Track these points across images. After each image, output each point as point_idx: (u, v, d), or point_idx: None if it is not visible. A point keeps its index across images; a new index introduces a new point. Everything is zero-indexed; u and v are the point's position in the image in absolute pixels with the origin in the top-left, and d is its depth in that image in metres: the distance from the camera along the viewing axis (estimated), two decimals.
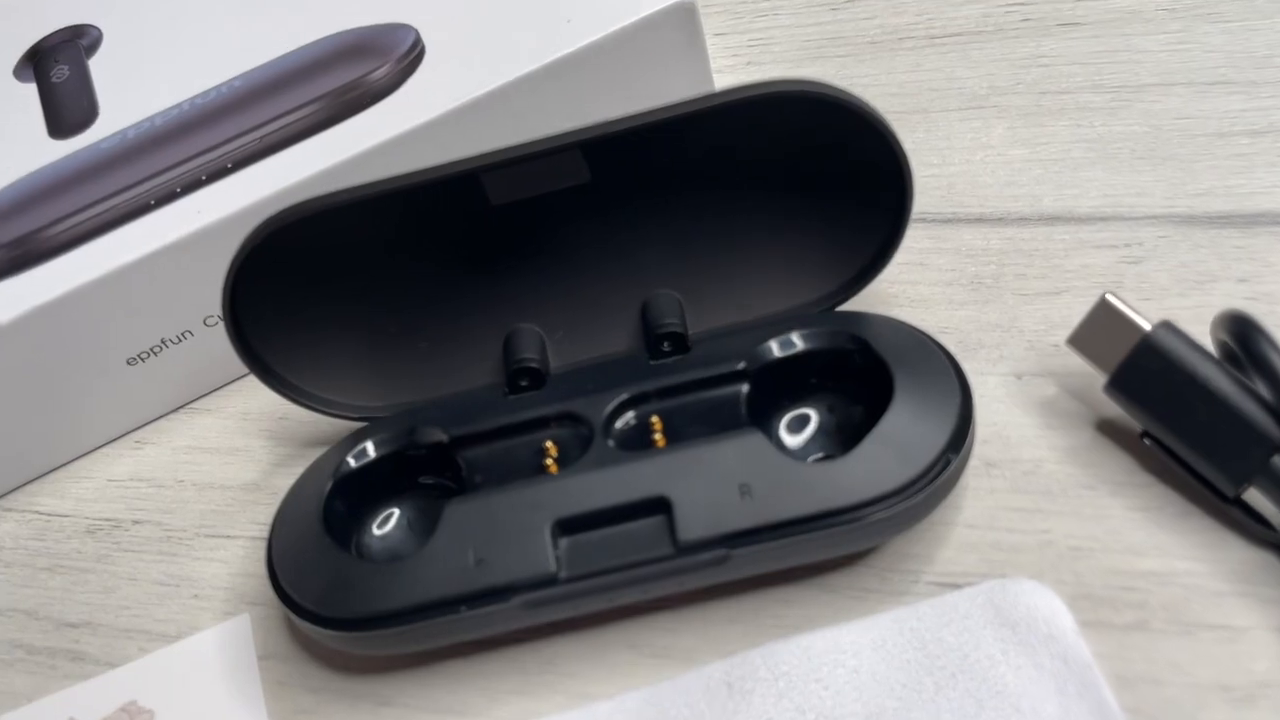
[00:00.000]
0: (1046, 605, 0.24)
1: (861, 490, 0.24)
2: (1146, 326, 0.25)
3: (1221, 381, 0.24)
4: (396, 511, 0.27)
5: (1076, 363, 0.27)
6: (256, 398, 0.32)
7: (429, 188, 0.26)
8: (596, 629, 0.26)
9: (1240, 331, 0.24)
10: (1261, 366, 0.23)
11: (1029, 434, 0.27)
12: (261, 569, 0.28)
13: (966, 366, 0.27)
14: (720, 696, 0.24)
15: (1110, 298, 0.26)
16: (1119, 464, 0.26)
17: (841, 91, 0.25)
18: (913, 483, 0.24)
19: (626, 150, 0.26)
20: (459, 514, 0.25)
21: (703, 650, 0.25)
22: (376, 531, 0.27)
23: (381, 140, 0.30)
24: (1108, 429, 0.27)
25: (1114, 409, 0.26)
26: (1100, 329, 0.26)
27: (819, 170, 0.27)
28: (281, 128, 0.31)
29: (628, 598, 0.25)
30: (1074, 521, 0.25)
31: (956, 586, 0.25)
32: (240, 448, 0.32)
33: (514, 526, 0.24)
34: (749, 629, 0.25)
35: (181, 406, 0.33)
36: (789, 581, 0.26)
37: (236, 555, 0.30)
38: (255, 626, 0.28)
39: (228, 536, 0.30)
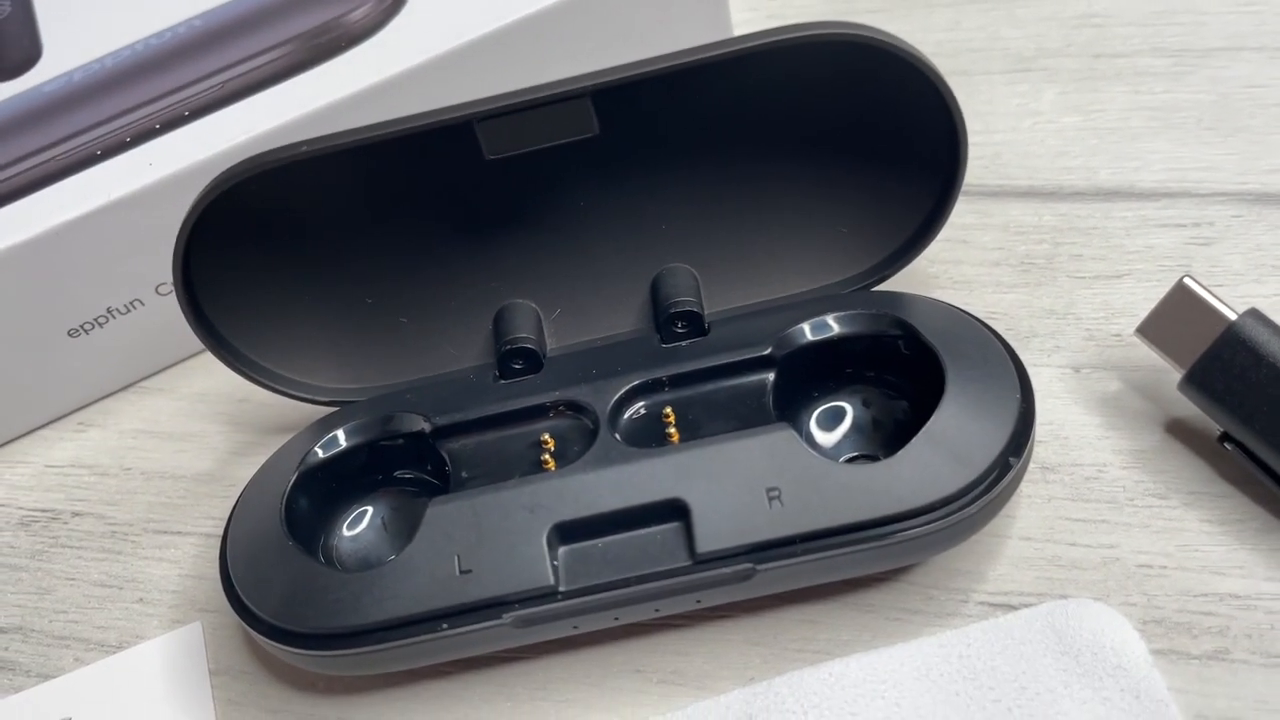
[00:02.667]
0: (1114, 631, 0.21)
1: (908, 498, 0.20)
2: (1232, 315, 0.22)
3: None
4: (370, 510, 0.24)
5: (1143, 355, 0.24)
6: (215, 377, 0.29)
7: (415, 139, 0.22)
8: (597, 649, 0.23)
9: None
10: None
11: (1090, 435, 0.24)
12: (216, 571, 0.25)
13: (1021, 357, 0.25)
14: None
15: (1189, 282, 0.23)
16: (1194, 470, 0.23)
17: (889, 36, 0.22)
18: (967, 490, 0.20)
19: (641, 101, 0.23)
20: (442, 515, 0.22)
21: (719, 676, 0.22)
22: (347, 533, 0.24)
23: (359, 88, 0.27)
24: (1180, 431, 0.24)
25: (1187, 408, 0.23)
26: (1175, 317, 0.23)
27: (859, 130, 0.24)
28: (246, 72, 0.27)
29: (636, 616, 0.21)
30: (1143, 535, 0.22)
31: (1011, 608, 0.22)
32: (195, 433, 0.28)
33: (506, 531, 0.21)
34: (771, 653, 0.22)
35: (130, 385, 0.29)
36: (818, 599, 0.23)
37: (188, 555, 0.26)
38: (208, 637, 0.25)
39: (179, 533, 0.27)
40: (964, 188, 0.27)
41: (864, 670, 0.21)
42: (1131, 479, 0.23)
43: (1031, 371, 0.24)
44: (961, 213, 0.28)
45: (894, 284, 0.26)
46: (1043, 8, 0.32)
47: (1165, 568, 0.22)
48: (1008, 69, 0.31)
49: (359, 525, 0.24)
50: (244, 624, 0.22)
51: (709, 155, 0.24)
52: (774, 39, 0.22)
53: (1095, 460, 0.23)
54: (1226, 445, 0.22)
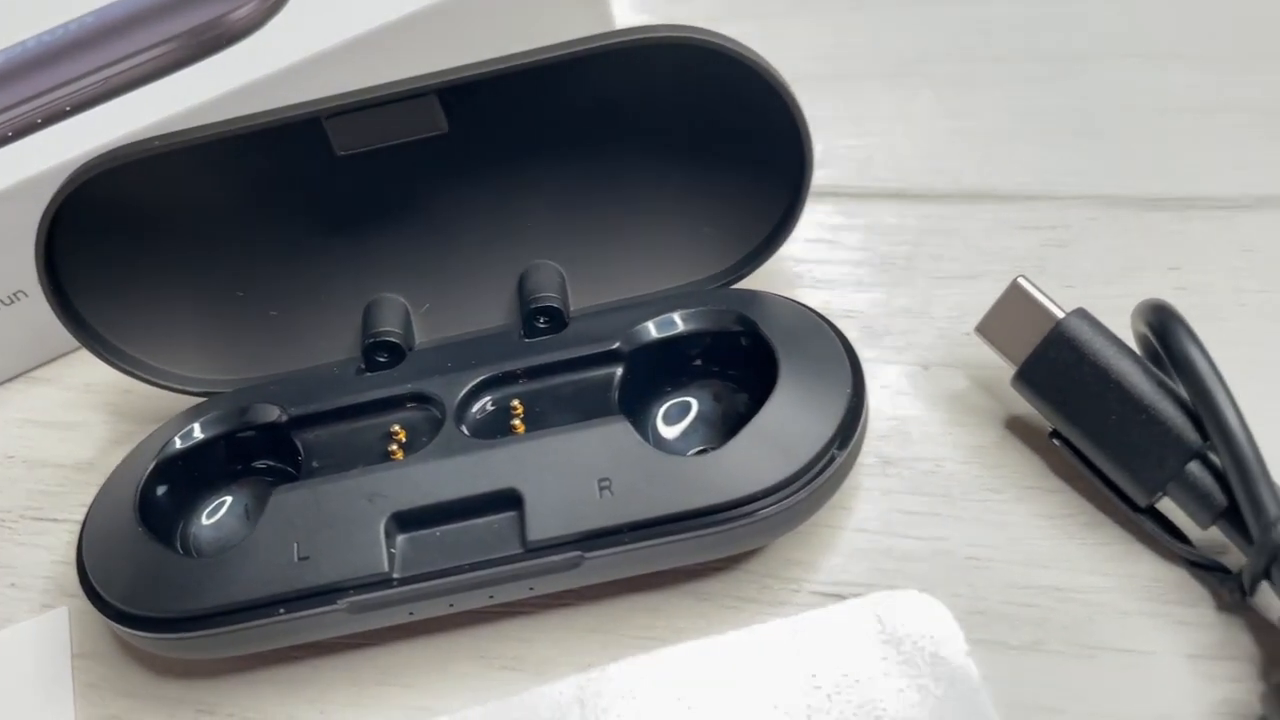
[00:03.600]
0: (935, 621, 0.21)
1: (733, 487, 0.21)
2: (1059, 314, 0.23)
3: (1137, 378, 0.22)
4: (230, 499, 0.25)
5: (990, 353, 0.24)
6: (101, 368, 0.28)
7: (267, 134, 0.23)
8: (442, 635, 0.23)
9: (1160, 324, 0.22)
10: (1180, 363, 0.21)
11: (933, 430, 0.24)
12: None
13: (870, 354, 0.25)
14: (571, 715, 0.22)
15: (1022, 281, 0.23)
16: (1028, 466, 0.24)
17: (725, 40, 0.23)
18: (789, 481, 0.21)
19: (488, 99, 0.23)
20: (285, 503, 0.22)
21: (558, 662, 0.23)
22: (206, 521, 0.24)
23: (237, 85, 0.27)
24: (1018, 427, 0.24)
25: (1025, 405, 0.24)
26: (1010, 316, 0.23)
27: (713, 133, 0.24)
28: (130, 69, 0.28)
29: (471, 603, 0.22)
30: (974, 528, 0.23)
31: (841, 598, 0.22)
32: (79, 422, 0.29)
33: (345, 519, 0.22)
34: (610, 640, 0.23)
35: (17, 375, 0.30)
36: (658, 587, 0.23)
37: (61, 541, 0.26)
38: (74, 622, 0.25)
39: (54, 520, 0.27)
40: (833, 189, 0.29)
41: (693, 656, 0.22)
42: (968, 473, 0.24)
43: (882, 368, 0.25)
44: (829, 214, 0.29)
45: (759, 282, 0.26)
46: (930, 10, 0.33)
47: (992, 560, 0.22)
48: (889, 73, 0.31)
49: (218, 514, 0.25)
50: (94, 608, 0.23)
51: (568, 154, 0.25)
52: (608, 43, 0.22)
53: (935, 455, 0.24)
54: (1056, 442, 0.23)
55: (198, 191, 0.24)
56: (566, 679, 0.22)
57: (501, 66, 0.22)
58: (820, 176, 0.29)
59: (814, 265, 0.28)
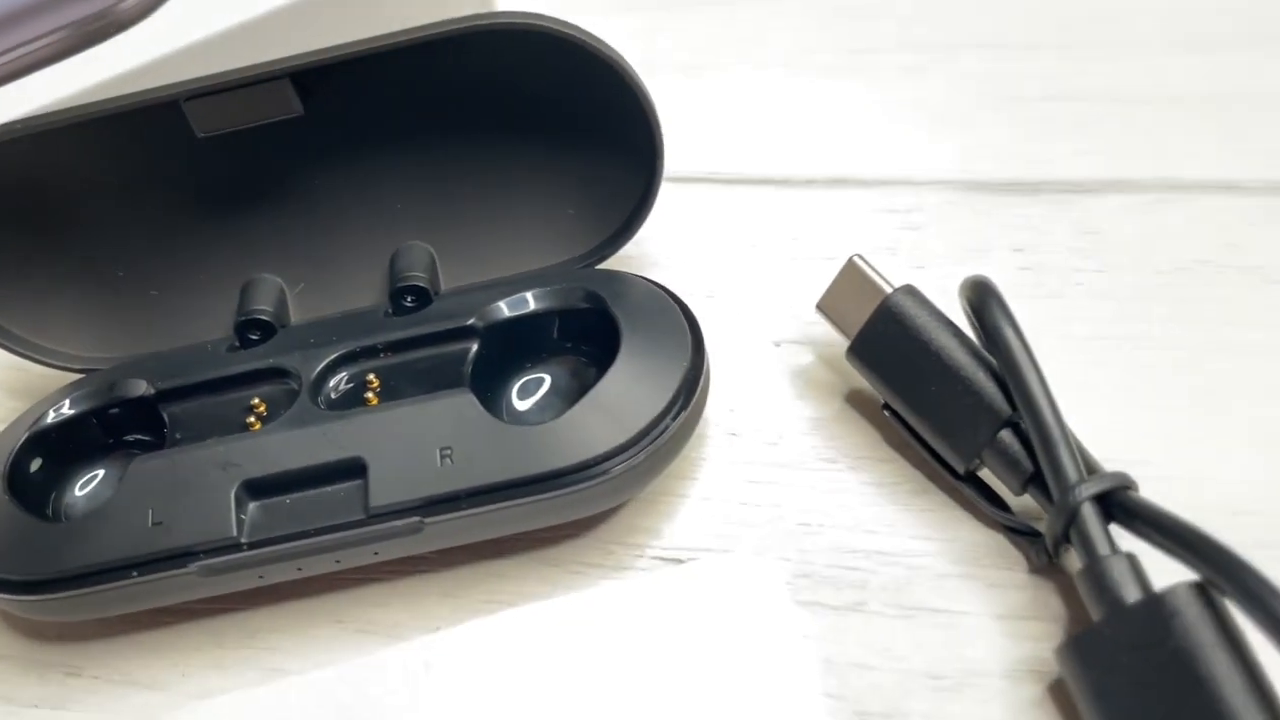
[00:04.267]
0: (762, 583, 0.22)
1: (569, 454, 0.22)
2: (888, 289, 0.24)
3: (955, 351, 0.23)
4: (102, 472, 0.25)
5: (835, 330, 0.25)
6: None
7: (129, 116, 0.24)
8: (301, 601, 0.24)
9: (977, 299, 0.23)
10: (991, 336, 0.22)
11: (778, 403, 0.25)
12: None
13: (726, 332, 0.26)
14: (417, 675, 0.23)
15: (857, 259, 0.24)
16: (863, 437, 0.25)
17: (580, 32, 0.24)
18: (625, 446, 0.22)
19: (342, 82, 0.24)
20: (143, 471, 0.23)
21: (410, 626, 0.24)
22: (79, 493, 0.25)
23: (122, 71, 0.28)
24: (856, 400, 0.25)
25: (864, 380, 0.25)
26: (847, 293, 0.24)
27: (570, 120, 0.25)
28: (18, 58, 0.29)
29: (319, 567, 0.23)
30: (808, 495, 0.24)
31: (680, 562, 0.23)
32: None
33: (198, 487, 0.23)
34: (460, 604, 0.24)
35: None
36: (507, 554, 0.24)
37: None
38: None
39: None
40: (704, 175, 0.30)
41: (536, 619, 0.23)
42: (808, 444, 0.25)
43: (736, 345, 0.26)
44: (697, 198, 0.30)
45: (627, 264, 0.27)
46: (809, 6, 0.34)
47: (823, 525, 0.23)
48: (767, 63, 0.32)
49: (90, 485, 0.25)
50: None
51: (431, 137, 0.26)
52: (456, 28, 0.23)
53: (778, 427, 0.25)
54: (887, 413, 0.24)
55: (72, 173, 0.25)
56: (415, 641, 0.23)
57: (350, 51, 0.23)
58: (691, 163, 0.30)
59: (680, 247, 0.28)
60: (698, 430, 0.25)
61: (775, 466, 0.24)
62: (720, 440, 0.25)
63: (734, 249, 0.28)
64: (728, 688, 0.21)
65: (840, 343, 0.25)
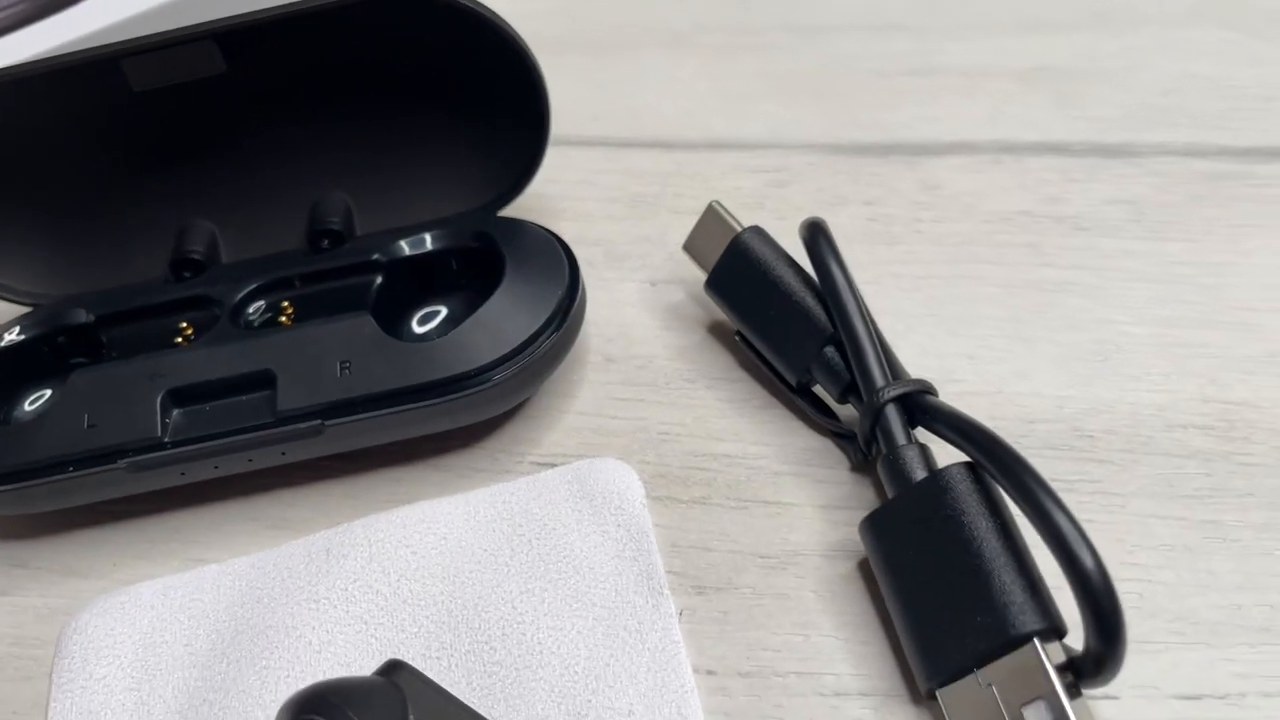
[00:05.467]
0: (622, 480, 0.26)
1: (453, 365, 0.25)
2: (738, 228, 0.27)
3: (790, 280, 0.26)
4: (49, 392, 0.28)
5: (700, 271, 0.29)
6: None
7: (72, 71, 0.27)
8: (221, 503, 0.27)
9: (809, 235, 0.26)
10: (816, 264, 0.25)
11: (649, 334, 0.29)
12: None
13: (610, 274, 0.29)
14: (319, 560, 0.26)
15: (715, 205, 0.28)
16: (719, 361, 0.28)
17: (477, 5, 0.27)
18: (503, 360, 0.25)
19: (260, 43, 0.27)
20: (81, 381, 0.26)
21: (317, 523, 0.27)
22: (28, 408, 0.28)
23: (75, 37, 0.32)
24: (716, 330, 0.29)
25: (724, 314, 0.28)
26: (707, 234, 0.28)
27: (471, 82, 0.29)
28: None
29: (233, 466, 0.26)
30: (669, 410, 0.27)
31: (554, 466, 0.27)
32: None
33: (128, 394, 0.26)
34: (361, 505, 0.27)
35: None
36: (404, 462, 0.27)
37: None
38: None
39: None
40: (601, 139, 0.33)
41: (422, 513, 0.26)
42: (672, 368, 0.28)
43: (618, 285, 0.29)
44: (595, 159, 0.33)
45: (528, 215, 0.30)
46: None
47: (679, 435, 0.27)
48: (664, 43, 0.36)
49: (38, 404, 0.28)
50: None
51: (346, 95, 0.29)
52: None
53: (648, 353, 0.28)
54: (738, 339, 0.27)
55: (22, 125, 0.28)
56: (319, 534, 0.26)
57: (268, 14, 0.26)
58: (593, 128, 0.33)
59: (575, 201, 0.32)
60: (578, 356, 0.28)
61: (643, 386, 0.28)
62: (598, 365, 0.28)
63: (623, 203, 0.32)
64: (590, 566, 0.24)
65: (704, 280, 0.28)
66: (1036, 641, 0.20)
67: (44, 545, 0.28)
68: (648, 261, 0.30)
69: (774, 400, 0.27)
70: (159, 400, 0.26)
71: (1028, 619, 0.20)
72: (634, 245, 0.31)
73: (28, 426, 0.26)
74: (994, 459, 0.22)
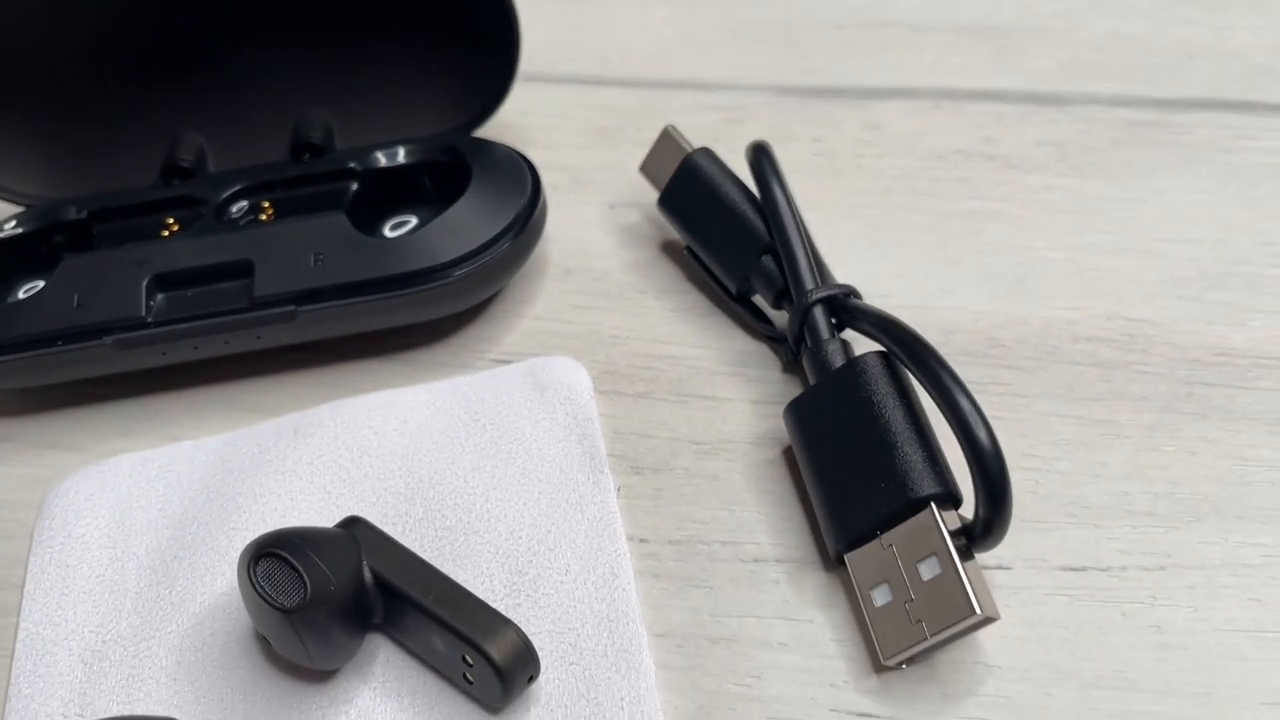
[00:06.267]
0: (572, 375, 0.28)
1: (418, 261, 0.27)
2: (689, 149, 0.29)
3: (734, 196, 0.28)
4: (41, 283, 0.30)
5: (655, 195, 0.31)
6: None
7: None
8: (197, 388, 0.29)
9: (753, 156, 0.28)
10: (757, 180, 0.28)
11: (606, 250, 0.31)
12: None
13: (574, 197, 0.31)
14: (286, 438, 0.28)
15: (670, 128, 0.30)
16: (669, 275, 0.30)
17: None
18: (465, 258, 0.27)
19: None
20: (73, 266, 0.28)
21: (288, 408, 0.29)
22: (22, 296, 0.30)
23: None
24: (668, 248, 0.31)
25: (677, 234, 0.30)
26: (661, 157, 0.30)
27: (447, 10, 0.30)
28: None
29: (211, 348, 0.28)
30: (620, 317, 0.29)
31: (510, 363, 0.29)
32: None
33: (115, 278, 0.28)
34: (330, 392, 0.29)
35: None
36: (372, 356, 0.29)
37: None
38: None
39: None
40: (569, 76, 0.35)
41: (386, 399, 0.28)
42: (625, 280, 0.30)
43: (580, 208, 0.31)
44: (566, 95, 0.35)
45: (499, 139, 0.32)
46: None
47: (628, 339, 0.29)
48: None
49: (31, 293, 0.30)
50: None
51: (330, 18, 0.31)
52: None
53: (605, 268, 0.30)
54: (687, 254, 0.29)
55: (18, 29, 0.30)
56: (288, 415, 0.28)
57: None
58: (564, 67, 0.35)
59: (544, 133, 0.34)
60: (539, 268, 0.30)
61: (597, 295, 0.30)
62: (556, 277, 0.30)
63: (588, 135, 0.34)
64: (538, 448, 0.26)
65: (657, 200, 0.30)
66: (933, 505, 0.22)
67: (29, 421, 0.29)
68: (608, 187, 0.32)
69: (716, 309, 0.29)
70: (144, 284, 0.28)
71: (926, 483, 0.22)
72: (596, 172, 0.33)
73: (20, 305, 0.28)
74: (906, 347, 0.24)
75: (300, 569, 0.22)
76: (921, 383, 0.23)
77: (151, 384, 0.29)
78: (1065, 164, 0.31)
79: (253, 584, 0.22)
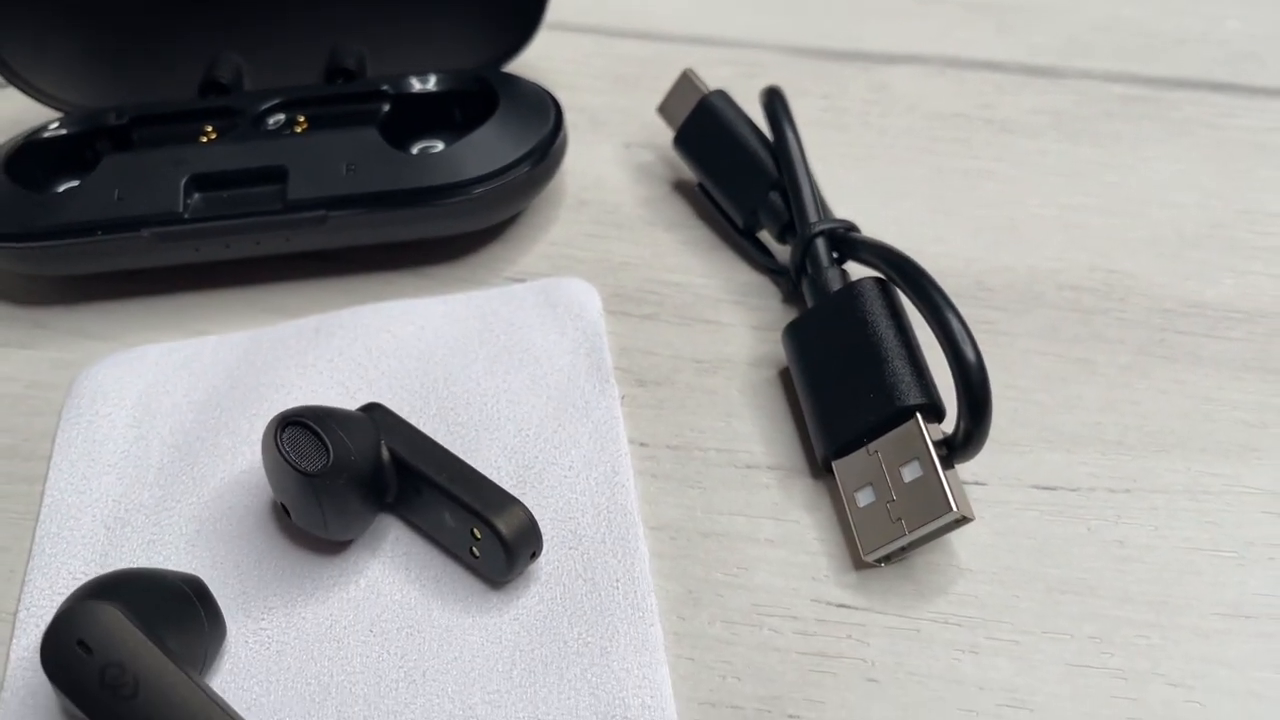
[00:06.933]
0: (583, 294, 0.29)
1: (443, 177, 0.29)
2: (706, 91, 0.31)
3: (746, 136, 0.30)
4: (80, 181, 0.31)
5: (670, 134, 0.32)
6: None
7: None
8: (226, 289, 0.31)
9: (767, 99, 0.30)
10: (770, 121, 0.29)
11: (620, 185, 0.32)
12: None
13: (592, 136, 0.33)
14: (308, 337, 0.29)
15: (688, 71, 0.31)
16: (680, 210, 0.32)
17: None
18: (487, 178, 0.29)
19: None
20: (114, 163, 0.30)
21: (311, 311, 0.30)
22: (61, 189, 0.32)
23: None
24: (681, 187, 0.32)
25: (690, 173, 0.32)
26: (679, 98, 0.31)
27: None
28: None
29: (243, 248, 0.29)
30: (630, 246, 0.31)
31: (524, 282, 0.30)
32: None
33: (155, 175, 0.29)
34: (352, 300, 0.30)
35: None
36: (395, 269, 0.31)
37: None
38: None
39: None
40: (593, 27, 0.37)
41: (404, 307, 0.29)
42: (637, 214, 0.32)
43: (596, 147, 0.33)
44: (587, 45, 0.37)
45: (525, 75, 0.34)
46: None
47: (637, 266, 0.30)
48: None
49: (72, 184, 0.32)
50: None
51: None
52: None
53: (618, 201, 0.32)
54: (700, 191, 0.31)
55: None
56: (311, 317, 0.30)
57: None
58: (589, 18, 0.37)
59: (567, 76, 0.35)
60: (555, 198, 0.32)
61: (609, 226, 0.31)
62: (572, 207, 0.32)
63: (607, 81, 0.35)
64: (548, 357, 0.28)
65: (672, 140, 0.32)
66: (918, 415, 0.24)
67: (64, 311, 0.31)
68: (624, 129, 0.34)
69: (723, 244, 0.31)
70: (182, 183, 0.29)
71: (913, 394, 0.24)
72: (614, 115, 0.34)
73: (63, 195, 0.29)
74: (902, 271, 0.25)
75: (324, 437, 0.23)
76: (915, 303, 0.25)
77: (181, 282, 0.31)
78: (1059, 131, 0.33)
79: (279, 449, 0.23)
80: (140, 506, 0.27)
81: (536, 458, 0.27)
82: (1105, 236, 0.30)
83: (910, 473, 0.24)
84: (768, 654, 0.23)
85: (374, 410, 0.26)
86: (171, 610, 0.23)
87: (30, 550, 0.26)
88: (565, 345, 0.29)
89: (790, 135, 0.29)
